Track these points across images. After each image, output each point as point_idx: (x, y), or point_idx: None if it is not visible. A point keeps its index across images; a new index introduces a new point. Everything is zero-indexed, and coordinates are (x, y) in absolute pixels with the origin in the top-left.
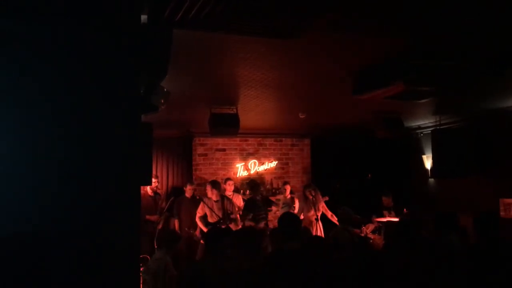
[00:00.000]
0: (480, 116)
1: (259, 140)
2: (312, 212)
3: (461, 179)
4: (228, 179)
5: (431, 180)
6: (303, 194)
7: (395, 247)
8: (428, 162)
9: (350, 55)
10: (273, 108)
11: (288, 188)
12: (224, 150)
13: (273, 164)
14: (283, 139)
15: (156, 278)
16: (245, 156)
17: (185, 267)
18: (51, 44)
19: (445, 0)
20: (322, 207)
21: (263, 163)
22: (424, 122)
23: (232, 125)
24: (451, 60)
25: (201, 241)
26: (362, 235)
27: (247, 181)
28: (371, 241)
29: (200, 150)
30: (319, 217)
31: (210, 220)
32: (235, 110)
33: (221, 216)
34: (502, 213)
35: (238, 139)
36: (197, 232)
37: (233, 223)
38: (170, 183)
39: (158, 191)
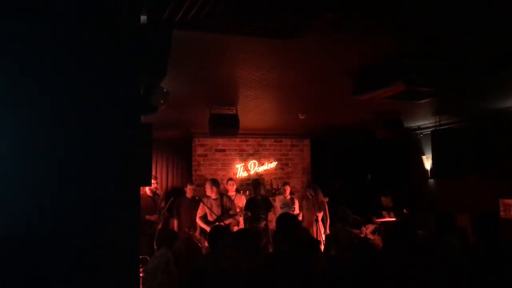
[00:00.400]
0: (480, 116)
1: (259, 140)
2: (311, 212)
3: (461, 179)
4: (230, 179)
5: (431, 180)
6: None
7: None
8: (428, 163)
9: (350, 55)
10: (273, 108)
11: (288, 189)
12: (224, 150)
13: (273, 164)
14: (283, 139)
15: (156, 273)
16: (245, 156)
17: (185, 267)
18: (51, 44)
19: (445, 0)
20: (323, 208)
21: (263, 164)
22: (424, 122)
23: (232, 126)
24: (451, 60)
25: (205, 243)
26: (362, 235)
27: (251, 181)
28: (371, 241)
29: (200, 150)
30: (319, 218)
31: (209, 218)
32: (235, 110)
33: (220, 213)
34: (502, 214)
35: (238, 139)
36: (197, 233)
37: (231, 219)
38: (169, 184)
39: (157, 191)
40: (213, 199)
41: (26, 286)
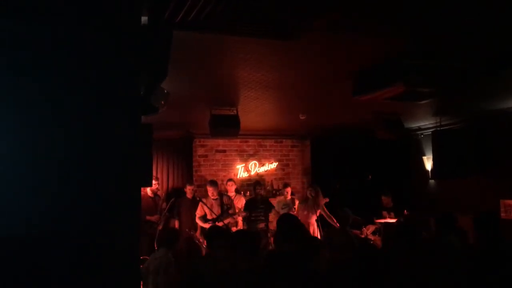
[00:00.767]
0: (480, 116)
1: (259, 141)
2: (307, 212)
3: (461, 180)
4: (230, 180)
5: (432, 181)
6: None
7: (394, 248)
8: (428, 164)
9: (350, 55)
10: (273, 109)
11: (288, 190)
12: (224, 151)
13: (273, 165)
14: (283, 140)
15: (155, 275)
16: (246, 157)
17: (184, 267)
18: (51, 44)
19: (445, 0)
20: (321, 209)
21: (263, 164)
22: (425, 123)
23: (232, 126)
24: (451, 61)
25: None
26: (362, 236)
27: (252, 183)
28: (371, 242)
29: (200, 151)
30: (317, 218)
31: (209, 218)
32: (235, 111)
33: (220, 213)
34: (502, 214)
35: (238, 140)
36: (198, 234)
37: (230, 218)
38: (170, 184)
39: (158, 192)
40: (213, 199)
41: (26, 286)
